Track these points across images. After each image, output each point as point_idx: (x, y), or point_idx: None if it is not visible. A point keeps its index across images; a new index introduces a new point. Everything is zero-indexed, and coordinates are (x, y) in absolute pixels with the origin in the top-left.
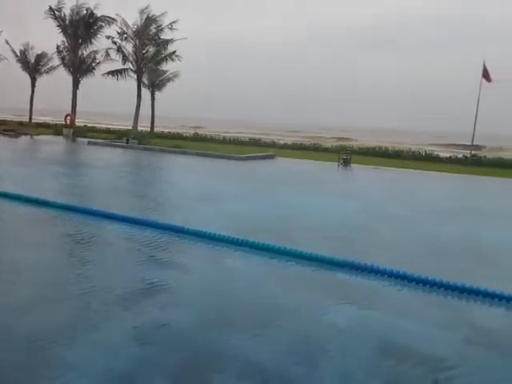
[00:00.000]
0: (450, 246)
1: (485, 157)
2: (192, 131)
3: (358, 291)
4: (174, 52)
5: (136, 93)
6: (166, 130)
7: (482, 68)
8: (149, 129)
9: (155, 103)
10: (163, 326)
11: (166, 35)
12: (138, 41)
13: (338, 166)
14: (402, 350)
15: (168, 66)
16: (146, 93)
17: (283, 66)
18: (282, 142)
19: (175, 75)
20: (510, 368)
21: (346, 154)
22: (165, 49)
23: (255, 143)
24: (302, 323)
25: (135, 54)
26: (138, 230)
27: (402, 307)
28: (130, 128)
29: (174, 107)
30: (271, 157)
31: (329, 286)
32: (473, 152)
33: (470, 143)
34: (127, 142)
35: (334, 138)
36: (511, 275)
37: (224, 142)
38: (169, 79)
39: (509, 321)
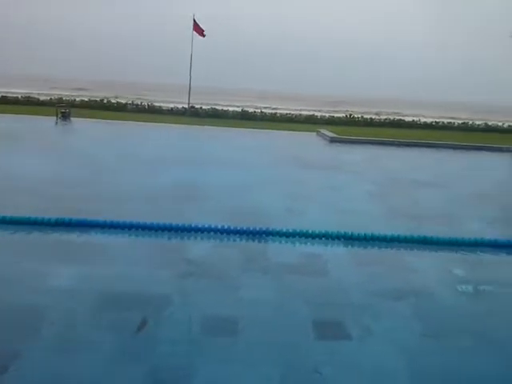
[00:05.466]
0: (169, 191)
1: (201, 108)
2: None
3: (83, 249)
4: None
5: None
6: None
7: (192, 22)
8: None
9: None
10: None
11: None
12: None
13: (57, 120)
14: (128, 296)
15: None
16: None
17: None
18: None
19: None
20: (217, 290)
21: (65, 108)
22: None
23: None
24: (24, 293)
25: None
26: None
27: (127, 256)
28: None
29: None
30: None
31: (51, 249)
32: (191, 104)
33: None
34: None
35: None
36: (219, 211)
37: None
38: None
39: (217, 250)
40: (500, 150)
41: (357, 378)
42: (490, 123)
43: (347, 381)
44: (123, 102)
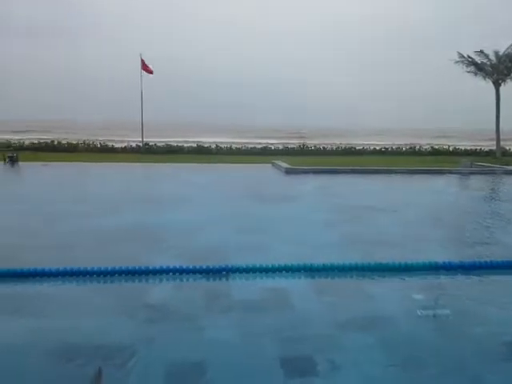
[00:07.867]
0: (122, 234)
1: (155, 145)
2: None
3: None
4: None
5: None
6: None
7: (139, 60)
8: None
9: None
10: None
11: None
12: None
13: (5, 164)
14: (85, 349)
15: None
16: None
17: None
18: None
19: None
20: (180, 335)
21: (12, 152)
22: None
23: None
24: None
25: None
26: None
27: (80, 306)
28: None
29: None
30: None
31: None
32: (145, 141)
33: None
34: None
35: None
36: (178, 251)
37: None
38: None
39: (177, 292)
40: (449, 172)
41: None
42: (436, 147)
43: None
44: (74, 142)
